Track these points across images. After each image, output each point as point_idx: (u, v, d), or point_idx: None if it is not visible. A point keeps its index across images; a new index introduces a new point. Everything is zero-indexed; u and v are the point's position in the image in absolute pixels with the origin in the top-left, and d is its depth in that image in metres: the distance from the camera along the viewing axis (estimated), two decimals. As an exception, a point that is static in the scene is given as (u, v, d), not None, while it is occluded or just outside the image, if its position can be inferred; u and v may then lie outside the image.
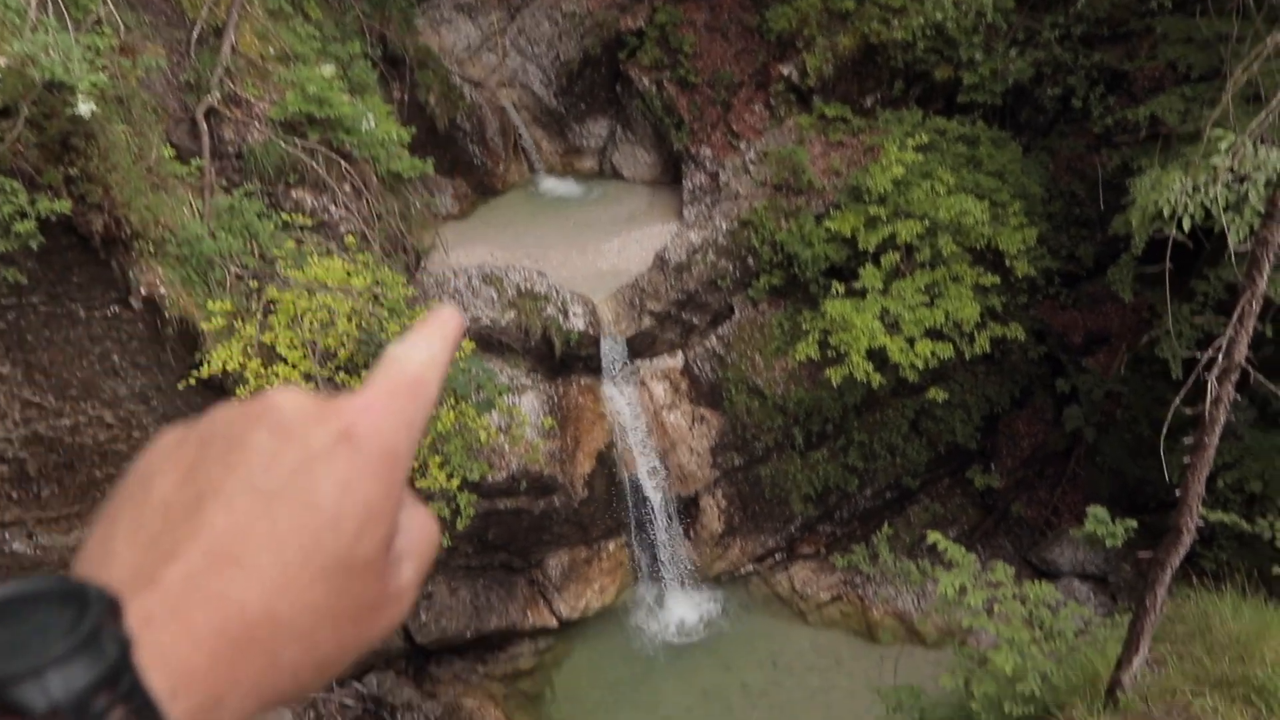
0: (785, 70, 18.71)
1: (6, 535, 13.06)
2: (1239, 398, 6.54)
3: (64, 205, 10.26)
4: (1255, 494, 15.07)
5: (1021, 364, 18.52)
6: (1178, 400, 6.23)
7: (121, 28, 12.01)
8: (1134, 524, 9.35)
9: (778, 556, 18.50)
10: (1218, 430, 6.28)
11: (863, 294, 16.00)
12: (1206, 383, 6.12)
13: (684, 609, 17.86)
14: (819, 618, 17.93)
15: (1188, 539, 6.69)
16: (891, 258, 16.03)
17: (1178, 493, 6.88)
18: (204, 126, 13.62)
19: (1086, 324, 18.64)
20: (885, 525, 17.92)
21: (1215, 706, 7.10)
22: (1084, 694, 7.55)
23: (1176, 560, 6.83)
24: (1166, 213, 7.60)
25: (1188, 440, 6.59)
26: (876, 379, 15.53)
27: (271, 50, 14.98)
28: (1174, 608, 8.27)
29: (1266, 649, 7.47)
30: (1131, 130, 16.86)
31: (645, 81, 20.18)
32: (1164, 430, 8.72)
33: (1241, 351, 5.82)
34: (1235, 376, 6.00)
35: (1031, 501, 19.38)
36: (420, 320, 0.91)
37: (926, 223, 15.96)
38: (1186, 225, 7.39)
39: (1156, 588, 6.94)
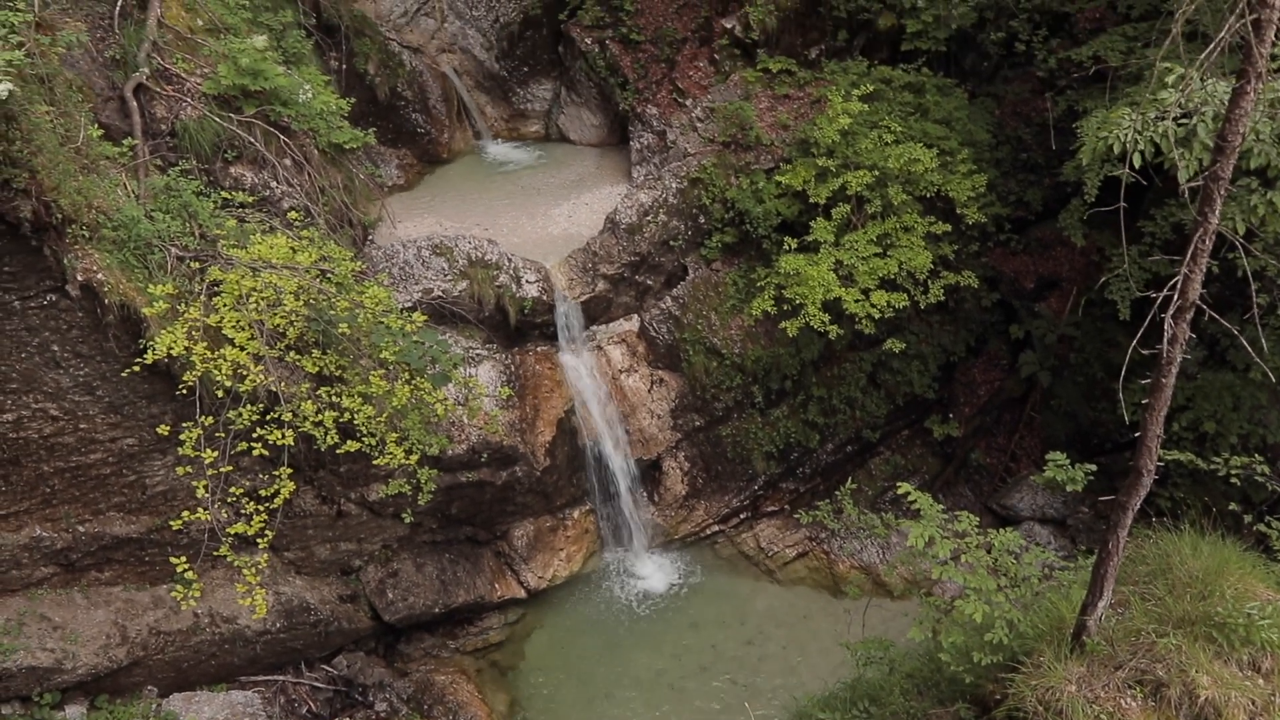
0: (728, 24, 18.49)
1: (-46, 535, 12.73)
2: (1192, 336, 6.55)
3: (-12, 192, 9.89)
4: (1209, 434, 15.28)
5: (975, 312, 18.60)
6: (1134, 343, 6.21)
7: (36, 2, 11.55)
8: (1092, 468, 9.40)
9: (742, 516, 18.53)
10: (1174, 370, 6.27)
11: (816, 248, 15.95)
12: (1162, 323, 6.09)
13: (651, 572, 17.87)
14: (785, 575, 18.03)
15: (1147, 480, 6.70)
16: (843, 210, 15.97)
17: (1135, 434, 6.88)
18: (134, 104, 13.20)
19: (1038, 269, 18.73)
20: (848, 480, 18.00)
21: (1179, 645, 7.17)
22: (1051, 639, 7.59)
23: (1137, 502, 6.85)
24: (1116, 150, 7.56)
25: (1145, 382, 6.58)
26: (834, 330, 15.52)
27: (200, 22, 14.52)
28: (1134, 548, 8.33)
29: (1226, 585, 7.54)
30: (1076, 72, 16.88)
31: (588, 41, 19.86)
32: (1119, 372, 8.73)
33: (1196, 289, 5.79)
34: (1190, 315, 5.97)
35: (990, 448, 19.56)
36: None
37: (876, 173, 15.92)
38: (1137, 162, 7.35)
39: (1118, 530, 6.96)
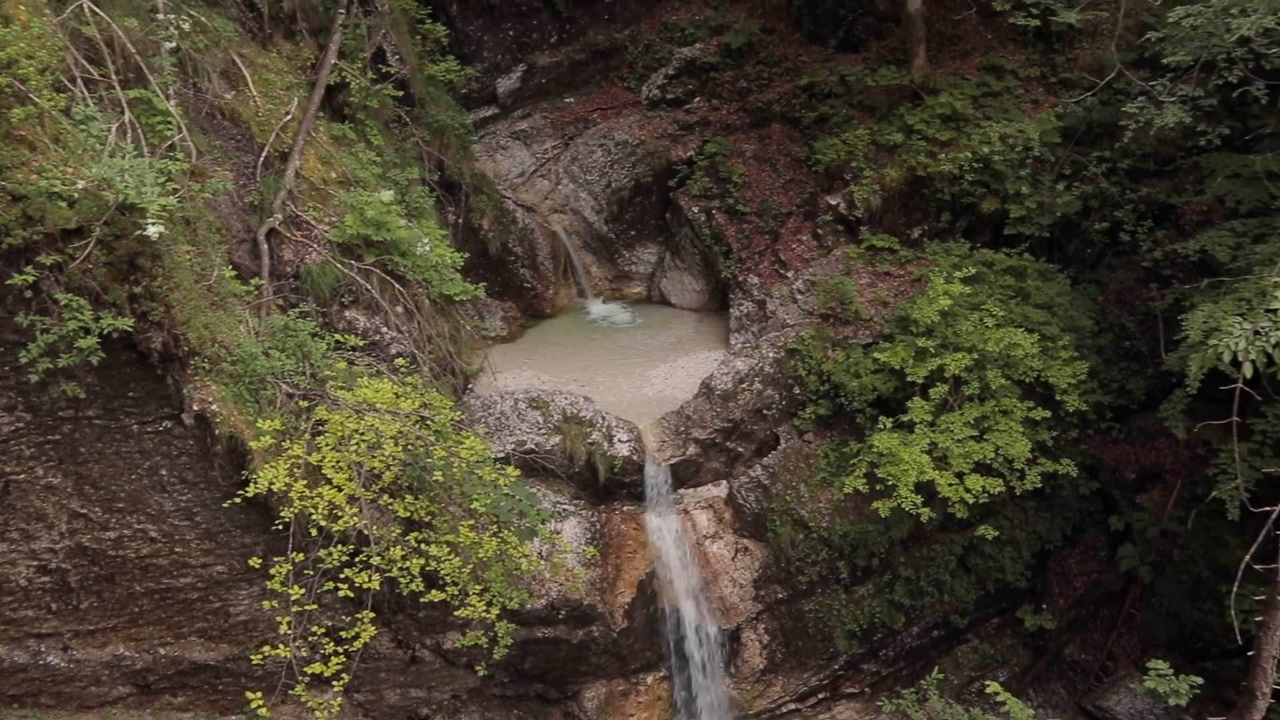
0: (833, 201, 18.97)
1: (42, 648, 13.02)
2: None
3: (126, 322, 10.53)
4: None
5: (1073, 500, 18.09)
6: (1247, 557, 5.99)
7: (194, 152, 12.48)
8: (1198, 681, 8.92)
9: (820, 695, 17.87)
10: (1291, 589, 6.02)
11: (911, 427, 15.81)
12: (1277, 539, 5.89)
13: (724, 748, 17.26)
14: (863, 762, 17.24)
15: (1262, 704, 6.36)
16: (940, 390, 15.89)
17: (1246, 642, 6.58)
18: (265, 247, 13.99)
19: (1140, 459, 18.23)
20: (934, 668, 17.29)
21: None
22: None
23: (1251, 726, 6.49)
24: (1227, 358, 7.49)
25: (1259, 598, 6.32)
26: (926, 513, 15.23)
27: (334, 175, 15.45)
28: (1247, 774, 7.82)
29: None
30: (1181, 264, 16.81)
31: (695, 210, 20.54)
32: (1228, 573, 8.41)
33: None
34: (1309, 535, 5.77)
35: (1086, 644, 18.68)
36: None
37: (975, 355, 15.86)
38: (1248, 371, 7.25)
39: (1229, 754, 6.58)
